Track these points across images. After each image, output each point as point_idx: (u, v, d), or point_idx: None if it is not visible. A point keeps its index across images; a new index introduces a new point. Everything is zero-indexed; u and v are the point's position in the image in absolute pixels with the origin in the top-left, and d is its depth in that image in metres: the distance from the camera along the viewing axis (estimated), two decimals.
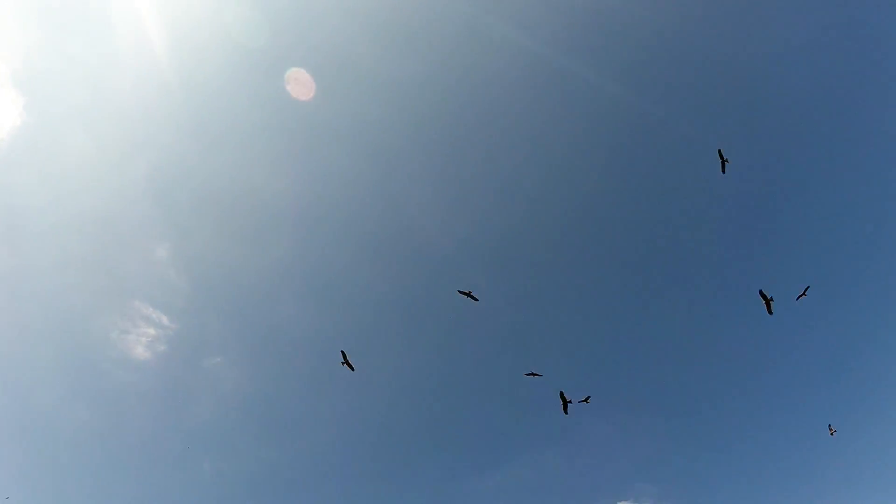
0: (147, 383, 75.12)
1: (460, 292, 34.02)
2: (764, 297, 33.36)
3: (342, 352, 35.28)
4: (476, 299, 34.17)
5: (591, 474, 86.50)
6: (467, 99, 79.13)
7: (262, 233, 78.46)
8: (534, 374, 37.09)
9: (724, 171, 34.27)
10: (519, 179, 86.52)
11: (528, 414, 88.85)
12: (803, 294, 34.21)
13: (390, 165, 77.44)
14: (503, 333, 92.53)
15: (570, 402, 35.87)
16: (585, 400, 36.27)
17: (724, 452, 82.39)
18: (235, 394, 79.64)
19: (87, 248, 72.83)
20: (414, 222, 79.84)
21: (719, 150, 33.89)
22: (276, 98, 69.72)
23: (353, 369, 34.39)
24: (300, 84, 59.98)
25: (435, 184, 78.16)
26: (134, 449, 77.74)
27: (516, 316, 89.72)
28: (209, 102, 69.92)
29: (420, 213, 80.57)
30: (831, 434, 37.91)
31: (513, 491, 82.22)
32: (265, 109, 70.99)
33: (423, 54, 70.50)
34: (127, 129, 69.75)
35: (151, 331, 72.98)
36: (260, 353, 79.94)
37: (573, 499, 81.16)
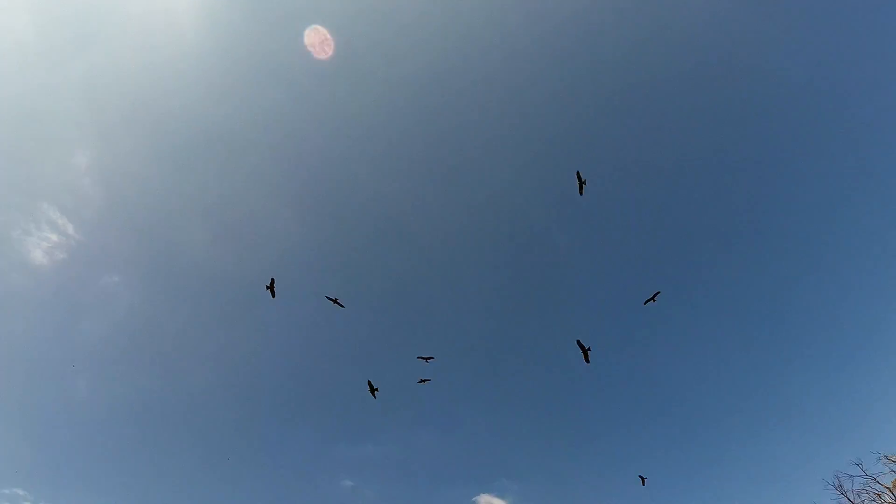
0: (40, 290, 72.67)
1: (328, 297, 33.97)
2: (581, 346, 33.76)
3: (272, 279, 34.07)
4: (342, 306, 34.14)
5: (459, 462, 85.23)
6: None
7: (190, 161, 73.00)
8: (425, 359, 36.78)
9: (581, 193, 33.10)
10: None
11: (409, 394, 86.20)
12: (652, 299, 34.45)
13: (331, 111, 73.36)
14: (392, 317, 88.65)
15: (589, 349, 34.07)
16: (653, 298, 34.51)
17: (589, 458, 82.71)
18: (128, 317, 77.80)
19: (3, 137, 65.31)
20: (332, 169, 77.94)
21: (577, 172, 32.82)
22: (253, 38, 65.59)
23: (273, 296, 33.47)
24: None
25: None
26: (11, 354, 71.95)
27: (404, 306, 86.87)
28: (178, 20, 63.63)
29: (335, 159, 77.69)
30: (643, 484, 38.90)
31: (382, 464, 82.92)
32: (233, 47, 65.64)
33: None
34: (78, 21, 62.37)
35: (54, 237, 70.56)
36: (160, 280, 78.00)
37: (439, 482, 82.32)
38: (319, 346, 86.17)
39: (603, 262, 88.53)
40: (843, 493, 36.06)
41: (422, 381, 36.00)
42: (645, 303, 34.49)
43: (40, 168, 70.14)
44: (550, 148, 78.66)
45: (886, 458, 37.04)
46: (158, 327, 78.83)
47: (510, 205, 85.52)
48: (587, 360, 33.89)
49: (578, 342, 33.87)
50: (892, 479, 37.23)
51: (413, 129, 76.98)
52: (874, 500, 36.52)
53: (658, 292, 34.42)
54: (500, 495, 73.25)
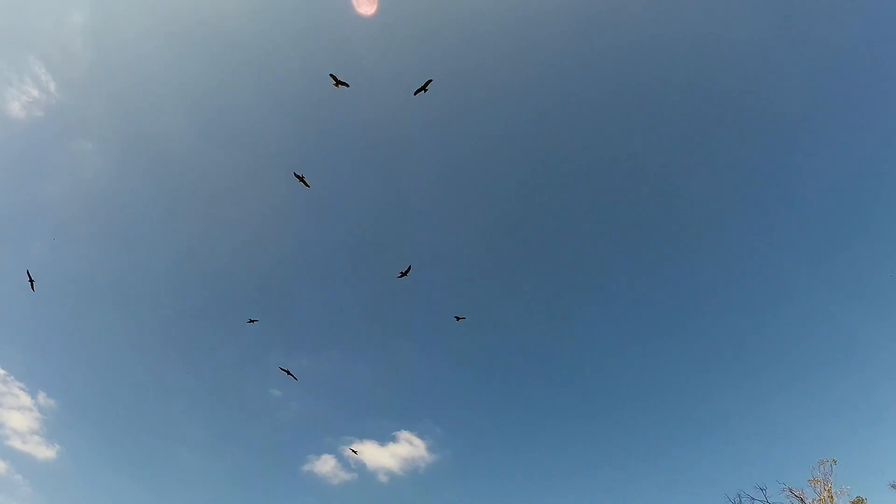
0: (10, 144, 68.94)
1: (295, 175, 31.03)
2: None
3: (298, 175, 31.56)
4: (308, 185, 31.41)
5: (387, 394, 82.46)
6: None
7: (190, 45, 68.73)
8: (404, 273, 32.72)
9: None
10: None
11: (352, 315, 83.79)
12: (404, 274, 32.65)
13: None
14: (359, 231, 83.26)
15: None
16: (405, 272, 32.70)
17: (516, 420, 79.55)
18: (95, 186, 74.32)
19: None
20: None
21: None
22: None
23: (307, 186, 31.69)
24: None
25: None
26: None
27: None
28: None
29: None
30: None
31: (312, 379, 79.10)
32: None
33: None
34: None
35: (35, 92, 67.54)
36: (134, 157, 73.84)
37: (365, 408, 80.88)
38: (277, 253, 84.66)
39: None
40: None
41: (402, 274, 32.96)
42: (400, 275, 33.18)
43: (35, 19, 68.17)
44: None
45: (790, 490, 37.44)
46: (124, 204, 76.81)
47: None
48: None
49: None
50: None
51: None
52: None
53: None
54: (421, 436, 73.86)
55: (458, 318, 35.66)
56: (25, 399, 65.68)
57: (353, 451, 71.36)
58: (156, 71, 73.38)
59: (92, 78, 71.61)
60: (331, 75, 29.04)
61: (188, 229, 79.40)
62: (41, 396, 67.14)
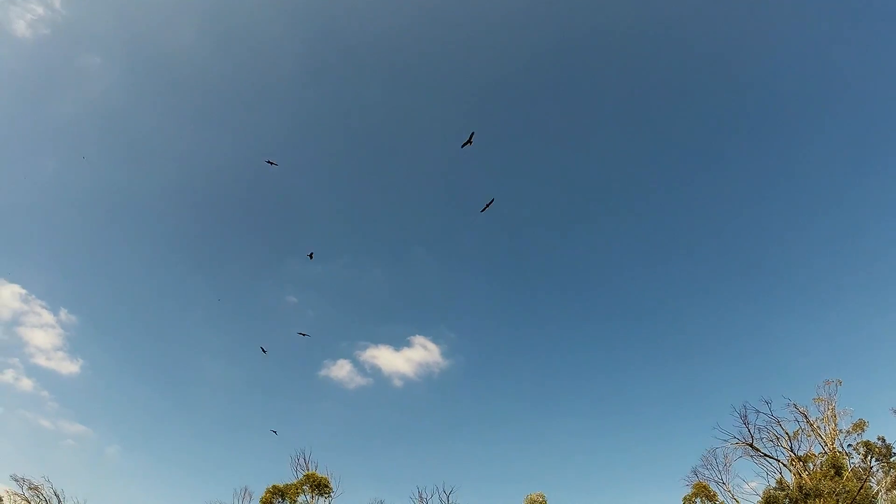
0: (18, 62, 71.22)
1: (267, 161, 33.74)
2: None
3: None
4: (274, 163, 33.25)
5: (402, 299, 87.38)
6: None
7: None
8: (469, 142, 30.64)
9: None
10: None
11: (365, 222, 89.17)
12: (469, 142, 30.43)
13: None
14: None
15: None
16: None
17: (529, 330, 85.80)
18: (103, 101, 77.08)
19: None
20: None
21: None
22: None
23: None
24: None
25: None
26: None
27: None
28: None
29: None
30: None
31: (327, 286, 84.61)
32: None
33: None
34: None
35: (40, 9, 69.05)
36: (143, 71, 76.50)
37: (380, 314, 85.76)
38: (290, 161, 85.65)
39: None
40: (746, 425, 37.74)
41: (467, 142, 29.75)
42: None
43: None
44: None
45: (795, 406, 38.61)
46: (135, 118, 78.53)
47: None
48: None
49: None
50: (795, 429, 38.81)
51: None
52: (772, 442, 38.13)
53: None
54: (435, 340, 74.56)
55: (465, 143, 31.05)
56: (48, 316, 68.04)
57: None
58: None
59: None
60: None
61: (199, 141, 79.59)
62: (63, 313, 69.36)
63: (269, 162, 35.85)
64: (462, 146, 29.58)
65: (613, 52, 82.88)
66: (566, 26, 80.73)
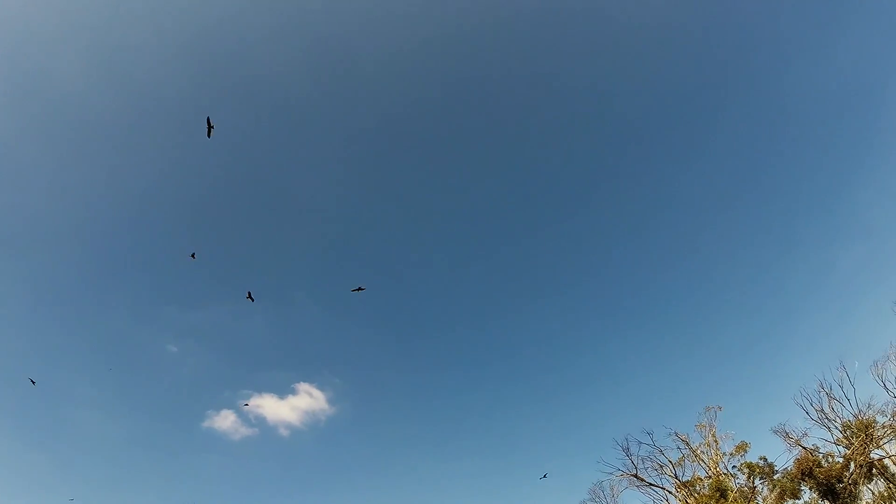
0: None
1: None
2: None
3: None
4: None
5: (286, 346, 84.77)
6: None
7: None
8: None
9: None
10: None
11: (246, 266, 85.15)
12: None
13: None
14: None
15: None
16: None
17: (415, 371, 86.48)
18: None
19: None
20: None
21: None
22: None
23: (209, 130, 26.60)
24: None
25: None
26: None
27: None
28: None
29: None
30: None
31: (209, 333, 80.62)
32: None
33: None
34: None
35: None
36: (22, 100, 69.60)
37: (263, 361, 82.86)
38: (168, 202, 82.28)
39: None
40: (629, 456, 41.69)
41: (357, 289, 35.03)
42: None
43: None
44: None
45: (676, 434, 42.52)
46: (8, 151, 71.73)
47: None
48: None
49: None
50: (678, 457, 42.47)
51: None
52: (656, 470, 41.89)
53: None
54: (321, 387, 76.02)
55: (357, 289, 36.27)
56: None
57: (245, 405, 71.22)
58: (45, 11, 67.25)
59: None
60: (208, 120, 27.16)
61: (79, 174, 76.99)
62: None
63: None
64: (353, 290, 35.20)
65: (567, 47, 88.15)
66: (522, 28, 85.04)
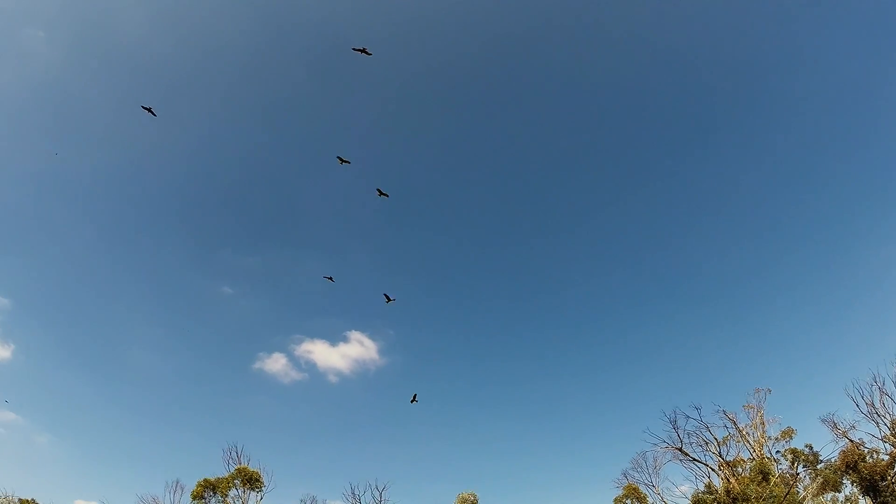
0: None
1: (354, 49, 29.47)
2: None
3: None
4: (370, 53, 29.68)
5: (342, 295, 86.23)
6: None
7: None
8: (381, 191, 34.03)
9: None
10: None
11: (300, 214, 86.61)
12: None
13: None
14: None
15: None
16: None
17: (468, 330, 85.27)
18: (45, 77, 72.38)
19: None
20: None
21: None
22: None
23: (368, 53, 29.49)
24: None
25: None
26: None
27: None
28: None
29: None
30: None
31: (262, 278, 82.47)
32: None
33: None
34: None
35: None
36: (85, 45, 72.64)
37: (316, 308, 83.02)
38: (228, 149, 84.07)
39: None
40: (675, 429, 38.52)
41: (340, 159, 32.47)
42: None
43: None
44: None
45: (724, 412, 39.55)
46: (76, 95, 75.91)
47: None
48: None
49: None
50: (724, 435, 39.69)
51: None
52: (700, 446, 38.95)
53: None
54: (373, 337, 73.24)
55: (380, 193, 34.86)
56: None
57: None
58: None
59: None
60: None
61: (140, 123, 77.80)
62: None
63: (147, 109, 33.69)
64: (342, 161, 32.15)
65: (574, 46, 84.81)
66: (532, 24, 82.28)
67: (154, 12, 74.61)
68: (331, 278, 44.20)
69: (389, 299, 35.83)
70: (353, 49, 29.80)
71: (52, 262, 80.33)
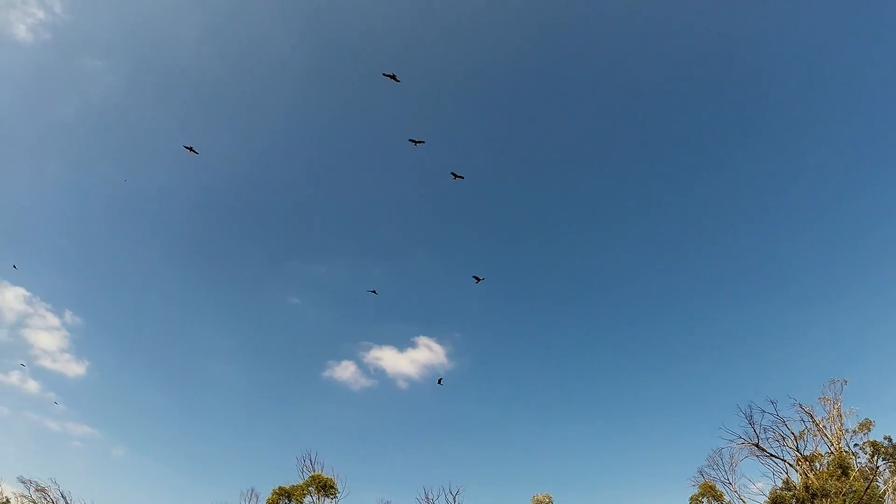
0: (20, 67, 71.27)
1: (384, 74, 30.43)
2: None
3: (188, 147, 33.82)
4: (398, 80, 30.65)
5: (408, 301, 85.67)
6: None
7: None
8: (415, 141, 32.55)
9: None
10: None
11: (366, 221, 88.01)
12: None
13: None
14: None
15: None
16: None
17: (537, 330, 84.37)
18: (105, 103, 77.01)
19: None
20: None
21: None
22: None
23: (397, 80, 30.53)
24: None
25: None
26: None
27: None
28: None
29: None
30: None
31: (329, 286, 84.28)
32: None
33: None
34: None
35: (40, 13, 68.30)
36: (143, 71, 75.89)
37: (383, 315, 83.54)
38: (293, 161, 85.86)
39: None
40: (751, 425, 37.63)
41: (413, 141, 32.16)
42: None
43: None
44: None
45: (800, 406, 38.51)
46: (135, 118, 78.74)
47: None
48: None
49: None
50: (801, 429, 38.68)
51: None
52: (777, 442, 38.02)
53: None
54: (440, 341, 73.38)
55: (477, 279, 36.64)
56: (52, 319, 68.07)
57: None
58: None
59: None
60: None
61: (201, 142, 79.34)
62: (67, 315, 69.39)
63: (189, 148, 35.54)
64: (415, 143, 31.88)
65: (621, 53, 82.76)
66: (566, 26, 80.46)
67: (208, 36, 74.59)
68: (374, 292, 48.26)
69: (479, 279, 35.96)
70: (384, 75, 30.32)
71: (124, 278, 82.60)
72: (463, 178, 35.01)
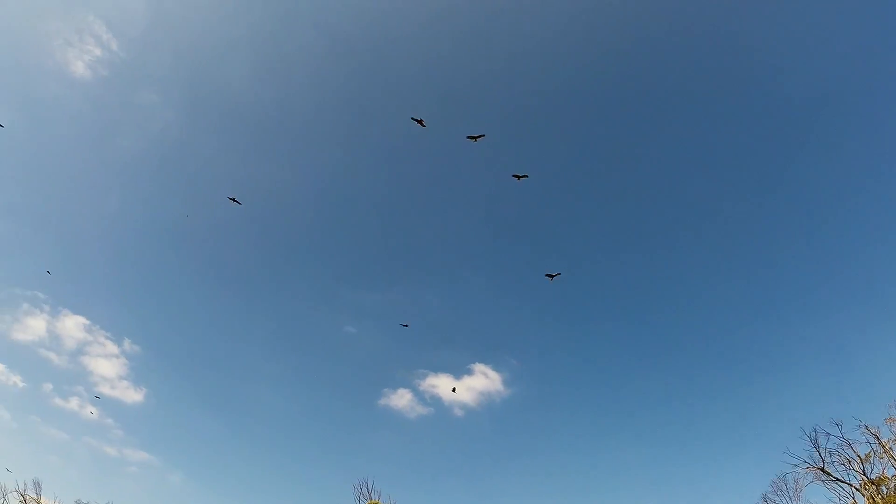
0: (77, 104, 75.35)
1: (413, 118, 30.71)
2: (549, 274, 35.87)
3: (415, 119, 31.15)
4: (424, 125, 30.87)
5: (462, 328, 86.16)
6: None
7: None
8: (475, 138, 31.76)
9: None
10: None
11: (420, 250, 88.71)
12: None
13: None
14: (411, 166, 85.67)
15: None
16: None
17: (593, 354, 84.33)
18: (162, 137, 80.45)
19: None
20: None
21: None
22: None
23: (423, 125, 30.81)
24: None
25: None
26: (46, 163, 76.53)
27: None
28: None
29: None
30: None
31: (384, 315, 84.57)
32: None
33: None
34: None
35: (97, 51, 72.24)
36: (197, 106, 79.79)
37: (438, 342, 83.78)
38: (336, 191, 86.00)
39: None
40: (816, 448, 36.57)
41: (472, 137, 31.05)
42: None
43: None
44: None
45: (867, 428, 37.28)
46: (190, 151, 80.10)
47: None
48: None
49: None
50: (867, 451, 37.51)
51: None
52: (843, 465, 36.93)
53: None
54: (497, 368, 72.50)
55: (550, 276, 35.85)
56: (111, 347, 68.77)
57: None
58: (213, 20, 72.59)
59: (152, 32, 72.51)
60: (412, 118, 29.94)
61: (255, 173, 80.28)
62: (126, 343, 70.28)
63: (232, 199, 36.82)
64: (475, 139, 31.03)
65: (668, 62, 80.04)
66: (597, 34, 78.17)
67: (259, 67, 75.14)
68: (406, 325, 51.06)
69: (552, 276, 35.25)
70: (412, 119, 30.27)
71: (181, 308, 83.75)
72: (527, 176, 33.93)
